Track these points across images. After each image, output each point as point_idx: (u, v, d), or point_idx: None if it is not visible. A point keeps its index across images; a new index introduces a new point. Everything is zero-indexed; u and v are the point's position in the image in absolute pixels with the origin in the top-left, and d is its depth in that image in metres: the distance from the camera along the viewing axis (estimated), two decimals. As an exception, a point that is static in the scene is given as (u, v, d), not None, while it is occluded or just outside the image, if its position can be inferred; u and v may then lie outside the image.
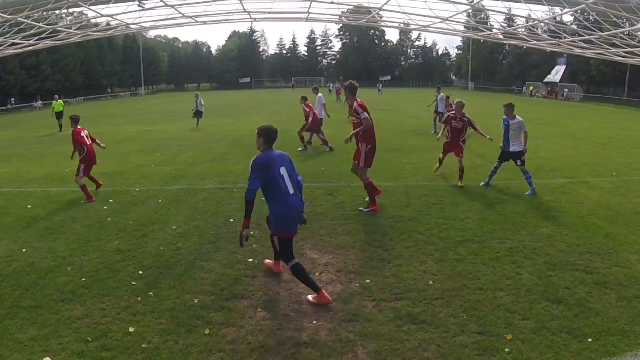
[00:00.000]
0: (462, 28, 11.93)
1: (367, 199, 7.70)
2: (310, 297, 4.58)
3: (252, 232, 6.54)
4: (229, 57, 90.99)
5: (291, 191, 4.46)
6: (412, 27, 10.38)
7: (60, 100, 24.38)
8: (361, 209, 7.56)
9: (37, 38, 8.10)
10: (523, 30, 10.01)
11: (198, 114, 21.76)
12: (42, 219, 7.47)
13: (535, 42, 9.09)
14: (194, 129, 20.78)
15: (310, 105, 14.26)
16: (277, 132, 4.61)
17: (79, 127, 8.82)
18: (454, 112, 9.48)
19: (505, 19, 32.52)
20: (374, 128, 7.51)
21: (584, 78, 59.10)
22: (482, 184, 9.26)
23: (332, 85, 54.40)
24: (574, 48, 8.27)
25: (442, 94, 18.19)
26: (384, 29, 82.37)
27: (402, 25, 11.75)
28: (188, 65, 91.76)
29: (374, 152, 7.54)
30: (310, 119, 13.90)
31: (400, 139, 16.19)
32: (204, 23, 10.28)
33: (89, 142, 8.83)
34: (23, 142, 18.94)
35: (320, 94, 15.24)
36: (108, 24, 10.29)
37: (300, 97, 14.80)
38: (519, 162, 8.78)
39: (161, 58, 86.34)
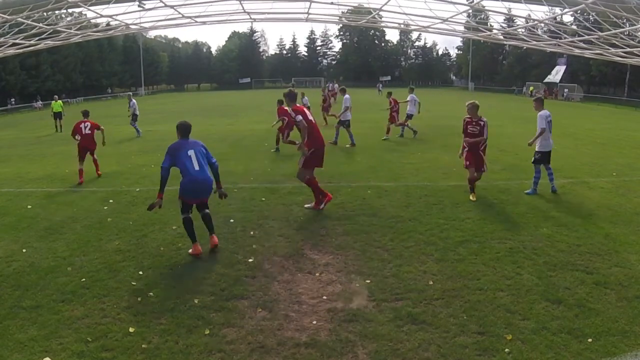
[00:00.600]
0: (462, 28, 11.92)
1: (365, 200, 7.69)
2: (190, 250, 5.83)
3: (251, 232, 6.59)
4: (229, 57, 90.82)
5: (196, 168, 5.76)
6: (412, 27, 10.39)
7: (60, 101, 24.36)
8: (306, 205, 7.69)
9: (37, 38, 8.11)
10: (523, 30, 10.01)
11: (133, 118, 19.13)
12: (42, 219, 7.47)
13: (535, 43, 9.10)
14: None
15: (285, 108, 12.83)
16: (190, 127, 6.05)
17: (85, 119, 10.37)
18: (469, 116, 8.27)
19: (505, 19, 32.49)
20: (317, 131, 7.49)
21: (584, 78, 59.05)
22: (527, 191, 8.58)
23: (331, 85, 54.55)
24: (573, 48, 8.28)
25: (412, 95, 16.49)
26: (384, 29, 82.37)
27: (402, 26, 11.76)
28: (188, 66, 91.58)
29: (321, 155, 7.52)
30: (285, 122, 12.96)
31: (400, 139, 16.20)
32: (204, 23, 10.29)
33: (84, 132, 10.26)
34: (23, 142, 18.93)
35: (347, 95, 14.72)
36: (108, 24, 10.31)
37: (277, 100, 13.77)
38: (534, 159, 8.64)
39: (161, 58, 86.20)
